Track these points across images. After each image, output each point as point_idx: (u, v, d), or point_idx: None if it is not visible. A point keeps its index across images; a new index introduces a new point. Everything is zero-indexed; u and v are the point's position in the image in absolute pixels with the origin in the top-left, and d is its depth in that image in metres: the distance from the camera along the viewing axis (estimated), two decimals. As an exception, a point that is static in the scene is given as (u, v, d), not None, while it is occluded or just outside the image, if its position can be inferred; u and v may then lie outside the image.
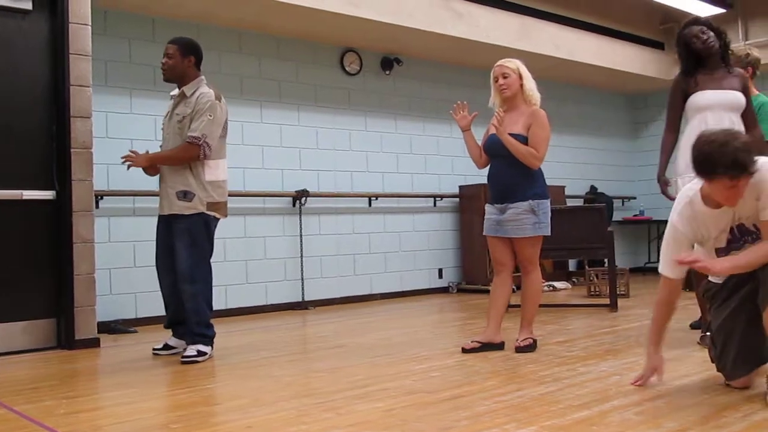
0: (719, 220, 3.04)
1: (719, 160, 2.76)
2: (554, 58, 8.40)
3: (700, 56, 4.22)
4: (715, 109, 4.16)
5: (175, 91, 4.50)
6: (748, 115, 4.24)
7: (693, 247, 3.20)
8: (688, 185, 3.14)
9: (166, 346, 4.56)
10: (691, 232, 3.11)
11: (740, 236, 3.06)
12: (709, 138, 2.84)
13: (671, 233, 3.15)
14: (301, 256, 7.17)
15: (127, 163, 4.37)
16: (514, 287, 5.16)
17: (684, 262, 2.95)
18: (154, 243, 4.55)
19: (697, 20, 4.32)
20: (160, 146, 4.59)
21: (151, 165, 4.42)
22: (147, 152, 4.47)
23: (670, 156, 4.47)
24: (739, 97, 4.19)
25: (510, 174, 4.30)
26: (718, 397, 3.05)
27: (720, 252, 3.13)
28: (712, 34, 4.21)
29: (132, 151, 4.42)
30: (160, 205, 4.49)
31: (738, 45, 5.10)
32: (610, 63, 9.07)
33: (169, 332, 4.62)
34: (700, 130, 3.90)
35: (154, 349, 4.59)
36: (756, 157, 2.81)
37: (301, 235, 7.18)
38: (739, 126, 4.06)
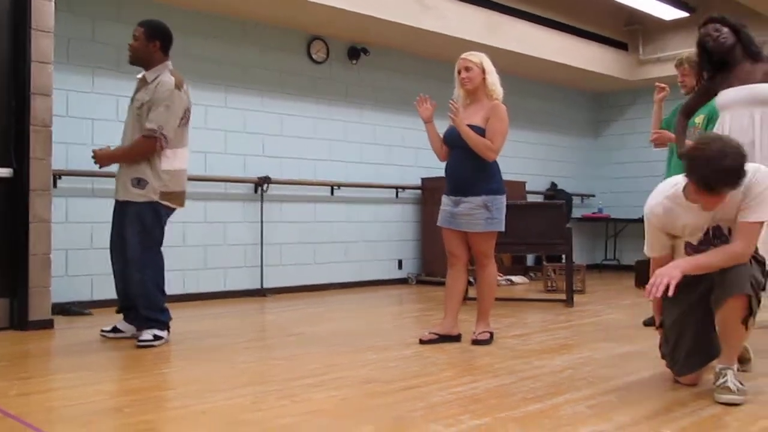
0: (699, 216, 3.03)
1: (723, 180, 2.77)
2: (519, 54, 8.45)
3: (718, 55, 4.02)
4: (734, 107, 3.98)
5: (141, 74, 4.46)
6: None
7: (668, 236, 3.18)
8: (674, 178, 3.13)
9: (115, 329, 4.51)
10: (662, 223, 3.12)
11: (712, 238, 3.09)
12: (707, 156, 2.77)
13: (648, 221, 3.17)
14: (262, 243, 7.14)
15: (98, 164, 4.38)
16: (470, 279, 5.20)
17: (656, 293, 2.85)
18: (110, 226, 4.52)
19: (710, 18, 4.06)
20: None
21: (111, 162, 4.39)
22: (108, 147, 4.42)
23: (685, 136, 4.34)
24: (761, 90, 3.93)
25: (466, 166, 4.32)
26: (668, 393, 3.11)
27: (688, 248, 3.16)
28: (726, 29, 3.98)
29: (94, 151, 4.37)
30: (115, 190, 4.44)
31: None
32: (574, 61, 9.17)
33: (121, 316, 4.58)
34: (719, 131, 3.95)
35: (102, 331, 4.54)
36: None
37: (261, 222, 7.15)
38: (764, 121, 3.90)
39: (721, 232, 3.07)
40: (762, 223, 2.94)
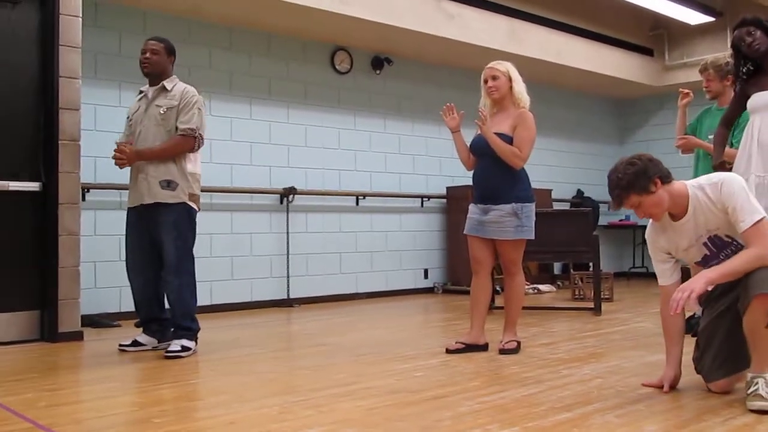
0: (683, 232, 3.12)
1: (611, 193, 3.07)
2: (543, 61, 8.43)
3: (753, 59, 3.96)
4: (764, 110, 3.90)
5: (146, 87, 4.54)
6: None
7: (670, 255, 3.26)
8: None
9: (135, 343, 4.52)
10: (657, 242, 3.25)
11: (717, 251, 3.11)
12: (609, 170, 3.10)
13: (648, 243, 3.33)
14: (288, 254, 7.16)
15: (119, 163, 4.36)
16: (497, 288, 5.18)
17: (677, 309, 2.92)
18: (125, 239, 4.55)
19: (744, 21, 3.99)
20: (119, 141, 4.51)
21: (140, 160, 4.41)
22: (130, 145, 4.44)
23: (724, 147, 4.28)
24: None
25: (494, 174, 4.31)
26: (699, 402, 3.07)
27: (699, 266, 3.21)
28: (759, 33, 3.90)
29: (119, 149, 4.35)
30: (136, 197, 4.44)
31: (723, 53, 5.09)
32: (598, 68, 9.12)
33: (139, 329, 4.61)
34: (749, 135, 3.96)
35: (120, 345, 4.52)
36: (651, 176, 2.99)
37: (287, 233, 7.17)
38: None
39: (723, 241, 3.08)
40: (761, 220, 2.94)
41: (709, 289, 3.24)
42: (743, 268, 2.93)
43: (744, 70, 4.02)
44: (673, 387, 3.28)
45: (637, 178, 2.99)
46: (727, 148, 4.47)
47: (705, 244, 3.11)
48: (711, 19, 8.85)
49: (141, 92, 4.59)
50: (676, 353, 3.31)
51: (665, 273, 3.27)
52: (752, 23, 3.94)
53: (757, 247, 2.91)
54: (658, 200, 3.03)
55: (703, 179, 3.13)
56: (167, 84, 4.46)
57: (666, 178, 3.04)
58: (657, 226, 3.23)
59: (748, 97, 4.03)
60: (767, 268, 2.88)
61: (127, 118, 4.60)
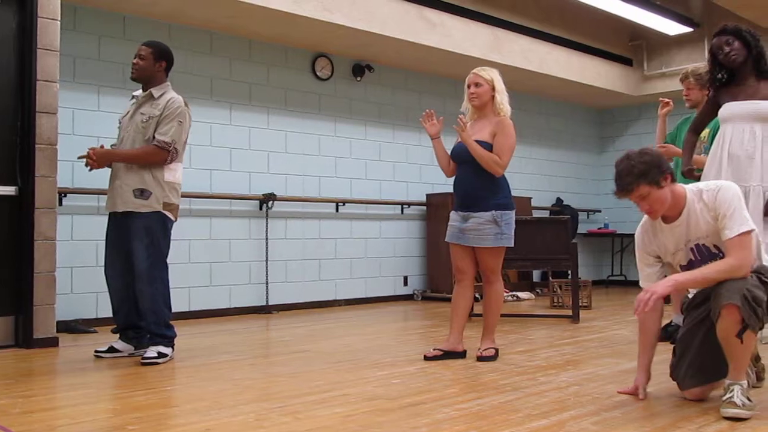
0: (672, 235, 3.14)
1: (618, 181, 3.05)
2: (524, 70, 8.48)
3: (728, 68, 4.01)
4: (736, 121, 3.95)
5: (138, 92, 4.51)
6: None
7: (658, 259, 3.27)
8: None
9: (112, 349, 4.48)
10: (648, 245, 3.27)
11: (702, 259, 3.13)
12: (616, 163, 3.08)
13: (636, 246, 3.33)
14: (267, 260, 7.14)
15: (89, 166, 4.33)
16: (476, 295, 5.18)
17: (643, 308, 2.96)
18: (104, 244, 4.52)
19: (724, 29, 4.00)
20: (113, 144, 4.54)
21: (110, 163, 4.38)
22: (102, 147, 4.43)
23: (692, 153, 4.35)
24: (765, 106, 3.90)
25: (475, 182, 4.31)
26: (674, 409, 3.09)
27: (684, 270, 3.21)
28: (737, 44, 3.93)
29: (90, 150, 4.32)
30: (111, 203, 4.42)
31: (703, 63, 5.14)
32: (578, 77, 9.18)
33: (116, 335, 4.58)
34: (719, 144, 4.01)
35: (96, 351, 4.50)
36: (664, 170, 3.00)
37: (266, 239, 7.15)
38: (765, 137, 3.88)
39: (709, 251, 3.10)
40: (747, 233, 2.96)
41: (689, 295, 3.28)
42: (715, 276, 2.95)
43: (718, 77, 4.06)
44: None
45: (650, 169, 2.98)
46: (696, 156, 4.51)
47: (692, 249, 3.13)
48: (689, 29, 8.95)
49: (133, 97, 4.56)
50: (647, 357, 3.33)
51: (650, 277, 3.28)
52: (732, 33, 3.97)
53: (734, 258, 2.93)
54: (664, 197, 3.03)
55: (702, 185, 3.14)
56: (155, 92, 4.42)
57: (674, 176, 3.06)
58: (648, 228, 3.24)
59: (720, 105, 4.08)
60: (740, 280, 2.90)
61: (119, 122, 4.58)
